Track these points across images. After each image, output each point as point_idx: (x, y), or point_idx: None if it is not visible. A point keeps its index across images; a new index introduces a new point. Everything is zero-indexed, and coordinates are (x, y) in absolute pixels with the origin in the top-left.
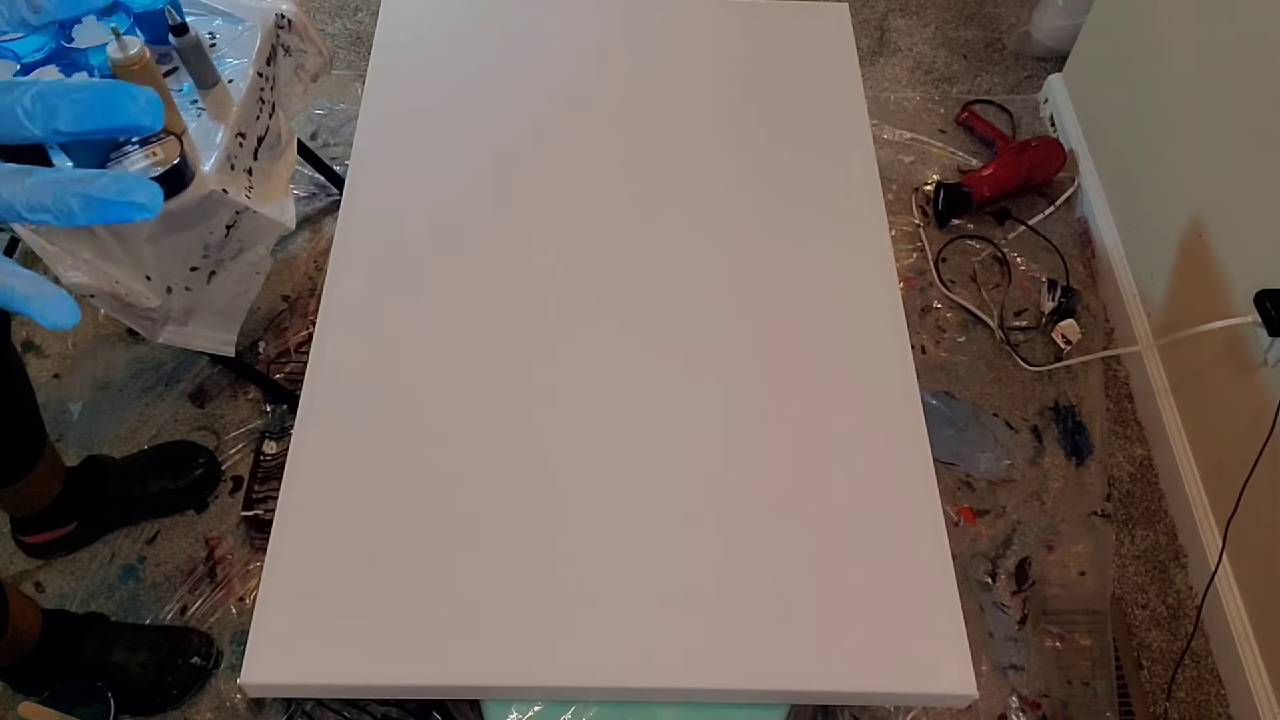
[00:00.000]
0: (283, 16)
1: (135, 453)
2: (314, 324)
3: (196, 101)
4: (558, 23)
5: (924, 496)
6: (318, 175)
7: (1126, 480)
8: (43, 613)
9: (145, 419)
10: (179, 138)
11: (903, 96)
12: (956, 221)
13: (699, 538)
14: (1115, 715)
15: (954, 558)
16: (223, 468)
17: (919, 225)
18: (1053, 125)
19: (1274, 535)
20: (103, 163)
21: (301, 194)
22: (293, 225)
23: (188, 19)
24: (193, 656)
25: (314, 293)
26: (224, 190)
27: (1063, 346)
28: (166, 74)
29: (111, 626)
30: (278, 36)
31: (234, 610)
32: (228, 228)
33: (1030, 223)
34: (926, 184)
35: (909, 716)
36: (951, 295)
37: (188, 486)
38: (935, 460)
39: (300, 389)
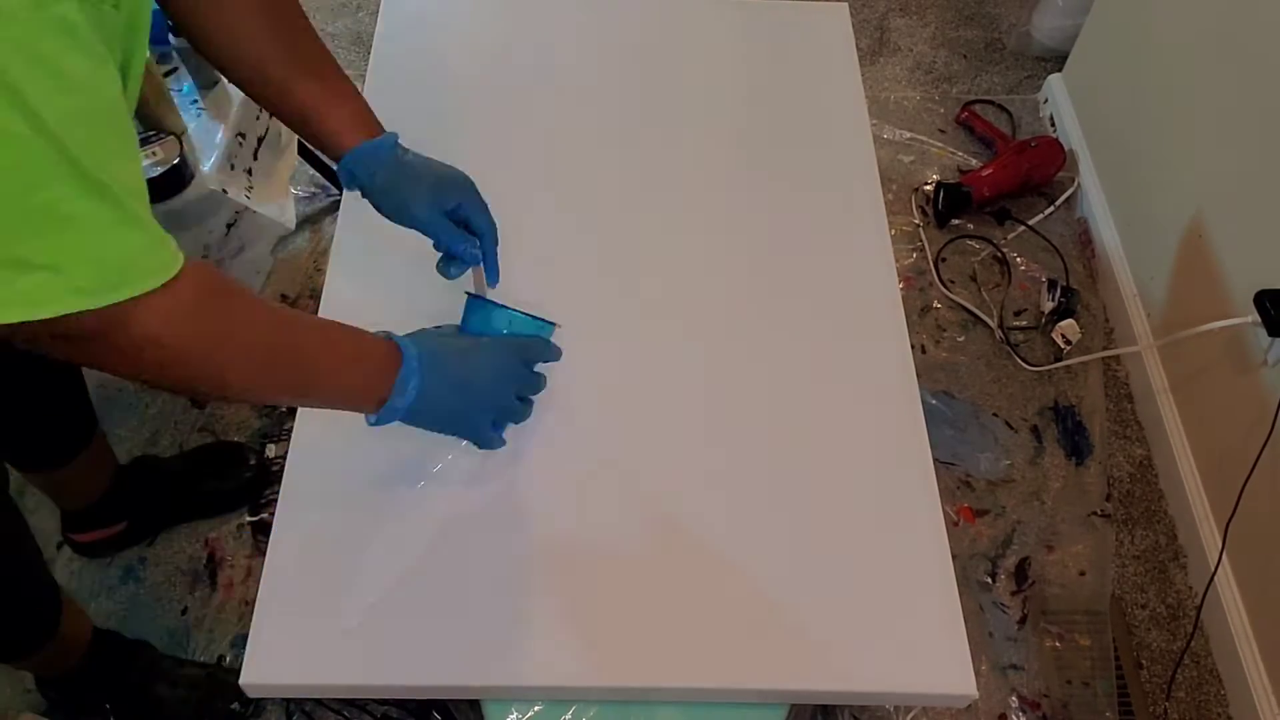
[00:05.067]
0: None
1: (185, 452)
2: None
3: (196, 101)
4: (557, 22)
5: (924, 496)
6: (318, 175)
7: (1126, 480)
8: (93, 629)
9: (145, 419)
10: (179, 138)
11: (903, 96)
12: (956, 221)
13: (699, 537)
14: (1115, 715)
15: (954, 558)
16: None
17: (919, 225)
18: (1052, 125)
19: (1274, 535)
20: None
21: (301, 194)
22: (293, 225)
23: None
24: (232, 702)
25: (314, 293)
26: (224, 190)
27: (1062, 346)
28: (166, 74)
29: (157, 657)
30: None
31: (234, 612)
32: (228, 227)
33: (1030, 223)
34: (926, 184)
35: (909, 716)
36: (951, 295)
37: (236, 489)
38: (935, 460)
39: None
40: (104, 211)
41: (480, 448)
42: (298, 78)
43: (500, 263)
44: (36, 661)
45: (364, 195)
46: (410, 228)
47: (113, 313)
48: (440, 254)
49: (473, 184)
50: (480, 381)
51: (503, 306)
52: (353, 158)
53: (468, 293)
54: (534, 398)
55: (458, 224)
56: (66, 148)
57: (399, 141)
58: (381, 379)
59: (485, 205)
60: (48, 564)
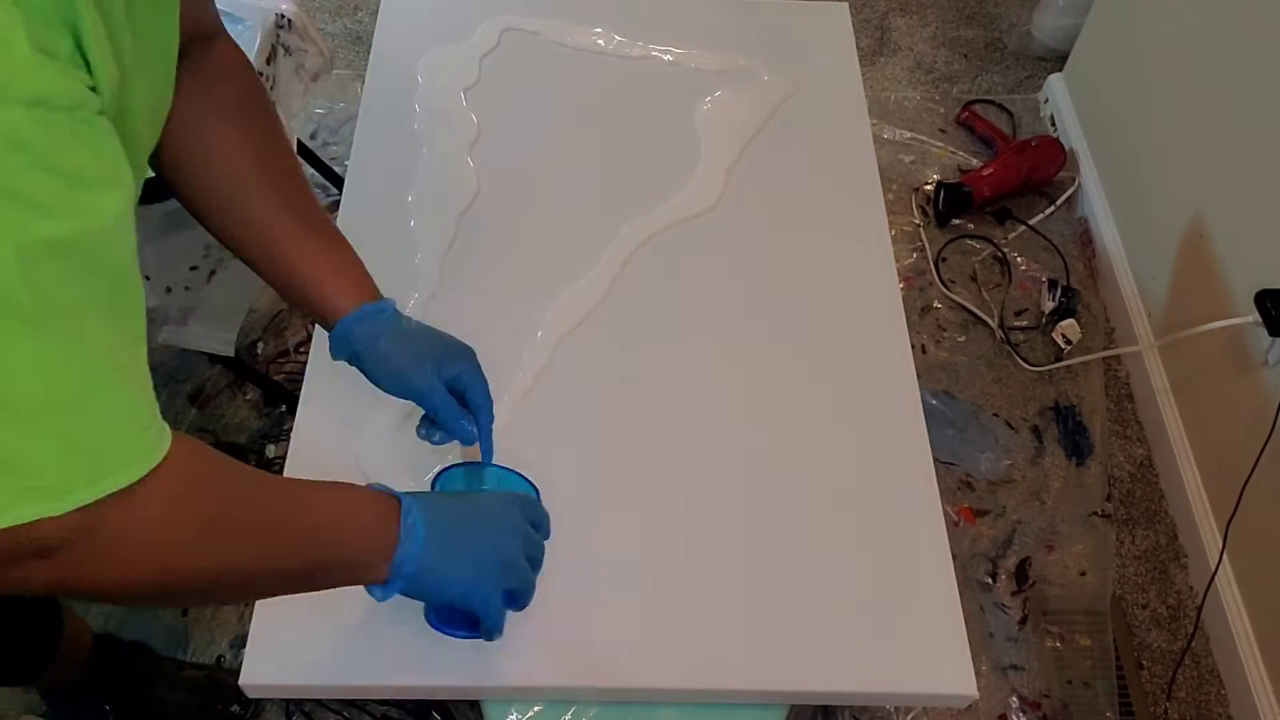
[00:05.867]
0: (283, 16)
1: None
2: (313, 324)
3: None
4: (554, 20)
5: (924, 496)
6: (317, 175)
7: (1127, 480)
8: (93, 635)
9: None
10: None
11: (903, 96)
12: (957, 221)
13: (699, 538)
14: (1115, 715)
15: (954, 558)
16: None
17: (919, 225)
18: (1053, 125)
19: (1275, 535)
20: None
21: None
22: None
23: None
24: (231, 705)
25: None
26: None
27: (1063, 346)
28: None
29: (156, 659)
30: (278, 36)
31: (234, 612)
32: None
33: (1031, 222)
34: (927, 184)
35: (909, 717)
36: (952, 295)
37: None
38: (935, 460)
39: (299, 389)
40: (68, 386)
41: (486, 636)
42: (293, 238)
43: (497, 263)
44: (45, 679)
45: (353, 362)
46: (404, 397)
47: (82, 517)
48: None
49: (473, 354)
50: (487, 531)
51: (492, 466)
52: (354, 320)
53: (442, 469)
54: (535, 574)
55: (454, 394)
56: (17, 300)
57: (397, 308)
58: (386, 532)
59: (484, 379)
60: None
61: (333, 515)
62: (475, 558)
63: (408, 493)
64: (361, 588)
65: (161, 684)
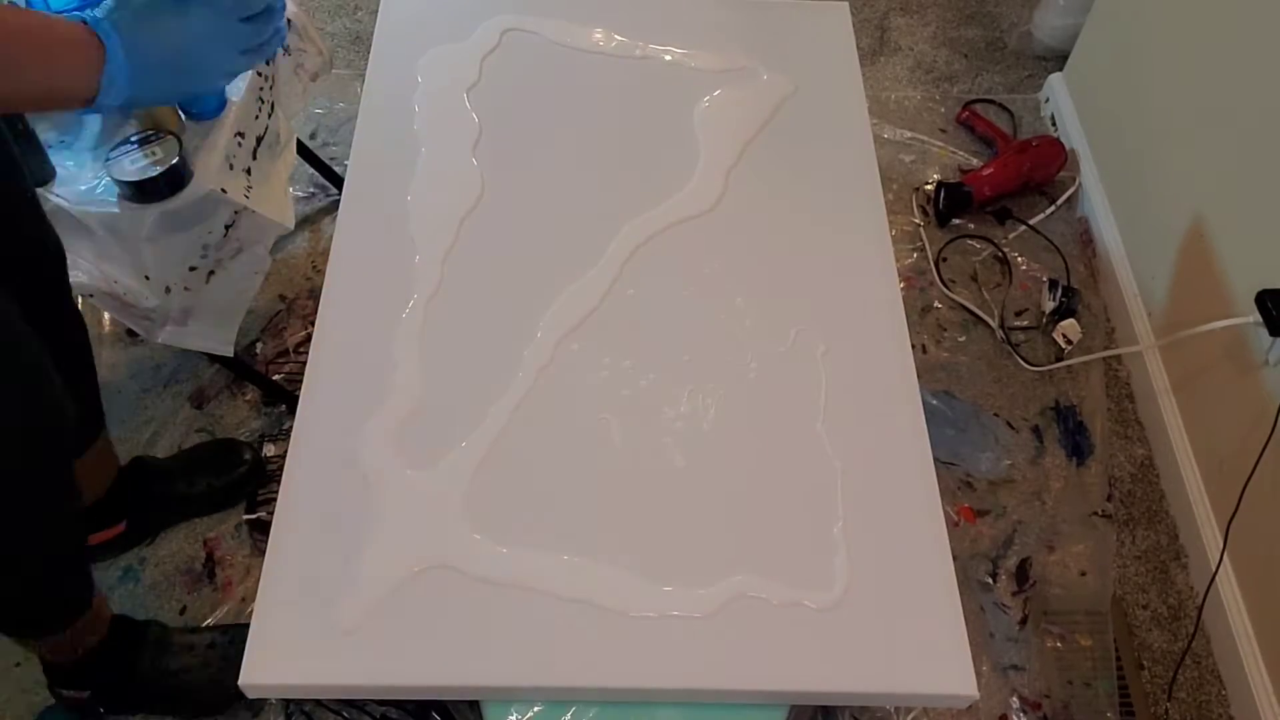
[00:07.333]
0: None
1: (179, 451)
2: (312, 324)
3: None
4: (554, 20)
5: (924, 496)
6: (317, 175)
7: (1127, 480)
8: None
9: (144, 420)
10: (177, 137)
11: (903, 96)
12: (957, 221)
13: (698, 537)
14: (1116, 715)
15: (954, 558)
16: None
17: (919, 225)
18: (1054, 124)
19: (1276, 535)
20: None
21: (301, 194)
22: (291, 225)
23: None
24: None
25: (312, 293)
26: (222, 190)
27: (1063, 346)
28: None
29: (169, 633)
30: None
31: (233, 612)
32: (226, 227)
33: (1031, 222)
34: (927, 183)
35: (909, 717)
36: (952, 295)
37: (233, 484)
38: (935, 460)
39: (299, 389)
40: None
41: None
42: None
43: (496, 261)
44: (66, 639)
45: None
46: None
47: None
48: None
49: None
50: (196, 56)
51: None
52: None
53: None
54: (270, 34)
55: None
56: None
57: None
58: (88, 73)
59: None
60: None
61: (22, 57)
62: (183, 81)
63: (107, 21)
64: (360, 590)
65: (177, 653)
